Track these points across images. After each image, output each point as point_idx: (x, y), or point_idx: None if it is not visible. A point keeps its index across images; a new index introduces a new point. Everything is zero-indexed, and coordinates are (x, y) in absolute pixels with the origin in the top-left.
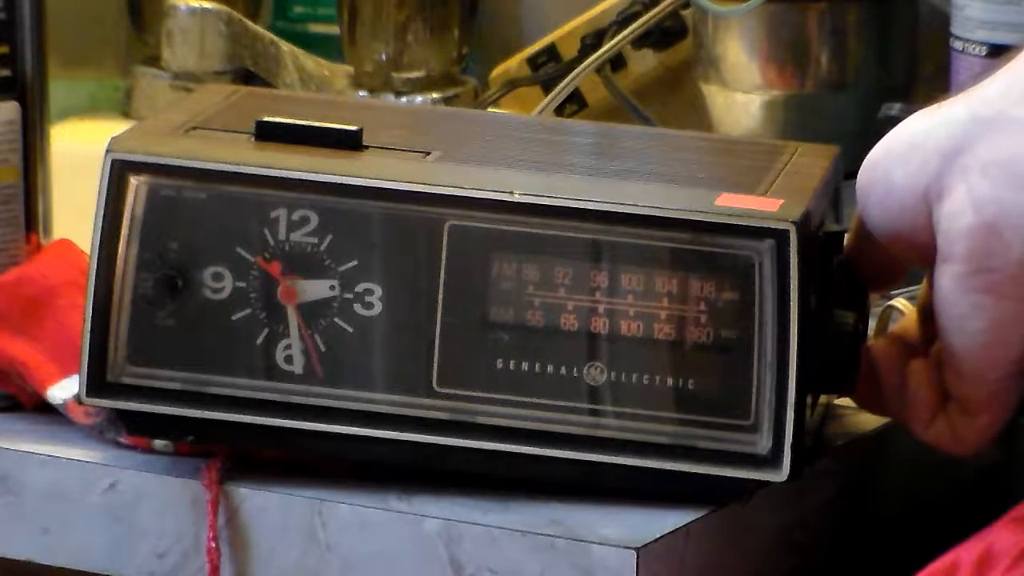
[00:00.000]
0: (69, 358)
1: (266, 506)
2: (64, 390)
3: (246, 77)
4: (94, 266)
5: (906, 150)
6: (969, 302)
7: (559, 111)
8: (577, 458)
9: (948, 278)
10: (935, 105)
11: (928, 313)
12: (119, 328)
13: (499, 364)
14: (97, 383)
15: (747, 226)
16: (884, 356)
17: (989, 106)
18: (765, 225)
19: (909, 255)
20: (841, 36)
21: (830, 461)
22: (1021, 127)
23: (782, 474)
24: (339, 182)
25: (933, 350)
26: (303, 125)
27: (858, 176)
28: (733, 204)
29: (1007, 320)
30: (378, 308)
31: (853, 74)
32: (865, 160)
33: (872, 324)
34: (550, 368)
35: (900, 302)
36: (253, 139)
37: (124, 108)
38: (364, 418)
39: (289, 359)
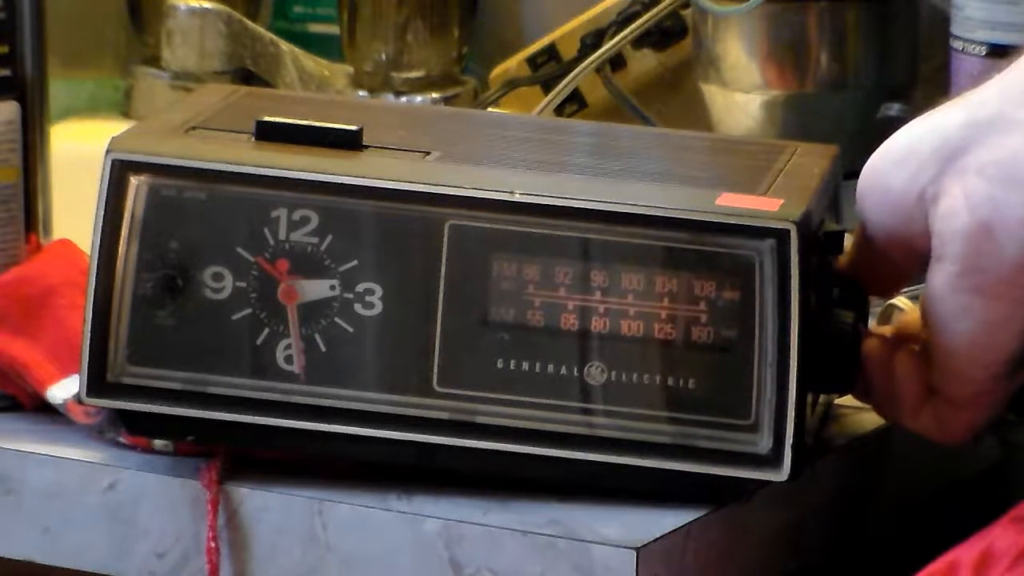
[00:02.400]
0: (69, 358)
1: (266, 506)
2: (64, 390)
3: (246, 77)
4: (94, 266)
5: (903, 155)
6: (959, 302)
7: (559, 111)
8: (577, 458)
9: (940, 277)
10: (932, 110)
11: None
12: (119, 328)
13: (499, 364)
14: (97, 383)
15: (747, 226)
16: (872, 352)
17: (986, 108)
18: (765, 225)
19: (907, 260)
20: (841, 36)
21: (830, 461)
22: (1019, 128)
23: (782, 474)
24: (339, 182)
25: (920, 345)
26: (303, 125)
27: (858, 183)
28: (733, 204)
29: (996, 322)
30: (378, 308)
31: (853, 74)
32: (864, 167)
33: (872, 323)
34: (550, 368)
35: (901, 300)
36: (253, 139)
37: (124, 108)
38: (364, 418)
39: (289, 359)
